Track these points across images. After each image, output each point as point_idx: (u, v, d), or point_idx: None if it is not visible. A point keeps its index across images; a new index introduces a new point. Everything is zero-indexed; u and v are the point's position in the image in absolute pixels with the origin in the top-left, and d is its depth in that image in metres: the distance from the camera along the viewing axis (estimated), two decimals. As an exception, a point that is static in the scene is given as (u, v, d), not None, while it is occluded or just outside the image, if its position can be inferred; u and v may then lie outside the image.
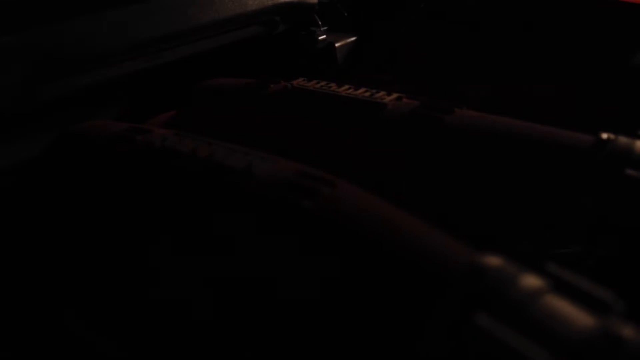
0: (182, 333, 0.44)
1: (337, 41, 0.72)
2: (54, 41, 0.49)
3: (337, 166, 0.47)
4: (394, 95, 0.53)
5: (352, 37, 0.75)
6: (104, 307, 0.51)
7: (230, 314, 0.40)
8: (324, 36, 0.71)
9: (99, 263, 0.49)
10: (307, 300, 0.36)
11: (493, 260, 0.32)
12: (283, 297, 0.37)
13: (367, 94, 0.54)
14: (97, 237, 0.49)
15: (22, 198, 0.55)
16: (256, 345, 0.39)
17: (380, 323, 0.33)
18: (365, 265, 0.35)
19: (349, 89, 0.55)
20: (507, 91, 0.72)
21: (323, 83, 0.57)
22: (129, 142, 0.48)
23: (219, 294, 0.41)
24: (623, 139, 0.45)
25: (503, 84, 0.72)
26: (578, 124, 0.50)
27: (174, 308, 0.44)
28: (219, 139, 0.49)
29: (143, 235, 0.45)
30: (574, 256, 0.51)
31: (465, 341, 0.30)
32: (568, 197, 0.44)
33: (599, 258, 0.47)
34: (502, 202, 0.47)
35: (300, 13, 0.67)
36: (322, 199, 0.38)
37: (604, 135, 0.45)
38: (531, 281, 0.31)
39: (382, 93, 0.54)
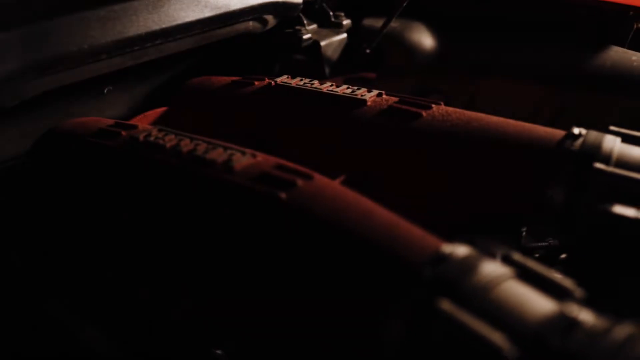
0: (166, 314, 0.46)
1: (323, 40, 0.74)
2: (42, 38, 0.50)
3: (318, 159, 0.48)
4: (375, 92, 0.54)
5: (339, 35, 0.76)
6: (94, 300, 0.52)
7: (207, 296, 0.41)
8: (309, 35, 0.72)
9: (87, 255, 0.50)
10: (280, 284, 0.37)
11: (458, 249, 0.33)
12: (257, 281, 0.38)
13: (348, 90, 0.55)
14: (85, 230, 0.50)
15: (11, 192, 0.57)
16: (231, 323, 0.40)
17: (349, 309, 0.34)
18: (335, 253, 0.36)
19: (331, 86, 0.56)
20: (488, 90, 0.73)
21: (306, 80, 0.58)
22: (114, 137, 0.49)
23: (200, 278, 0.42)
24: (593, 134, 0.46)
25: (485, 84, 0.74)
26: (553, 120, 0.51)
27: (160, 292, 0.46)
28: (206, 135, 0.50)
29: (128, 226, 0.46)
30: (550, 249, 0.53)
31: (429, 325, 0.31)
32: (541, 189, 0.45)
33: (571, 250, 0.48)
34: (478, 195, 0.48)
35: (284, 12, 0.68)
36: (297, 190, 0.40)
37: (576, 130, 0.46)
38: (493, 268, 0.33)
39: (363, 90, 0.55)
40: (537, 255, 0.51)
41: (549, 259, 0.51)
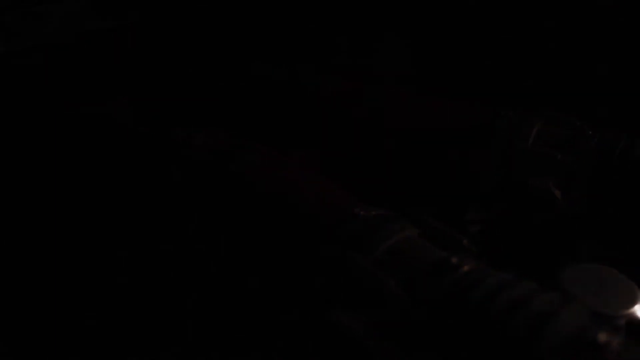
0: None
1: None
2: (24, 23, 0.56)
3: (278, 137, 0.53)
4: (328, 78, 0.60)
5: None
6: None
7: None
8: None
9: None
10: (229, 242, 0.43)
11: (370, 210, 0.39)
12: (212, 238, 0.44)
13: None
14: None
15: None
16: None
17: (280, 260, 0.40)
18: (270, 214, 0.41)
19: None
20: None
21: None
22: (93, 120, 0.55)
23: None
24: (519, 115, 0.51)
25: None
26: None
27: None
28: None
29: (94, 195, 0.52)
30: (489, 222, 0.58)
31: (342, 272, 0.36)
32: (471, 166, 0.50)
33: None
34: (417, 171, 0.53)
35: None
36: (244, 162, 0.45)
37: (502, 111, 0.51)
38: (399, 226, 0.38)
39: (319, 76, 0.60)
40: (477, 228, 0.56)
41: (487, 233, 0.56)
